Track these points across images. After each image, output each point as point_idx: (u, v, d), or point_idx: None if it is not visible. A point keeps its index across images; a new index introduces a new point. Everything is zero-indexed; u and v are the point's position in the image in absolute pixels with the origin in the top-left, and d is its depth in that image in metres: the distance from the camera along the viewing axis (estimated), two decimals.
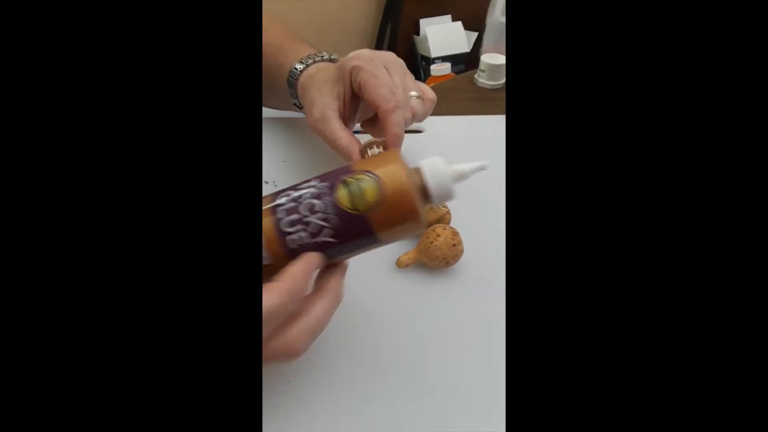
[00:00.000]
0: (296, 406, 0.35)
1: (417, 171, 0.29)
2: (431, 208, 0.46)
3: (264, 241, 0.28)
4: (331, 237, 0.27)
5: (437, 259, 0.42)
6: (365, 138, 0.49)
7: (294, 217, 0.27)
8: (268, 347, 0.27)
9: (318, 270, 0.30)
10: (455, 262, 0.43)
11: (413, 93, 0.45)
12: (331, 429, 0.34)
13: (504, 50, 0.79)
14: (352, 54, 0.45)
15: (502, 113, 0.67)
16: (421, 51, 1.56)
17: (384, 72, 0.44)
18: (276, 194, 0.30)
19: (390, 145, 0.43)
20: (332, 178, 0.28)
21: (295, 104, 0.52)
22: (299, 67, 0.49)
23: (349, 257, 0.30)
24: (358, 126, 0.49)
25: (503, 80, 0.78)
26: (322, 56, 0.50)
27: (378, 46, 1.60)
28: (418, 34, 1.57)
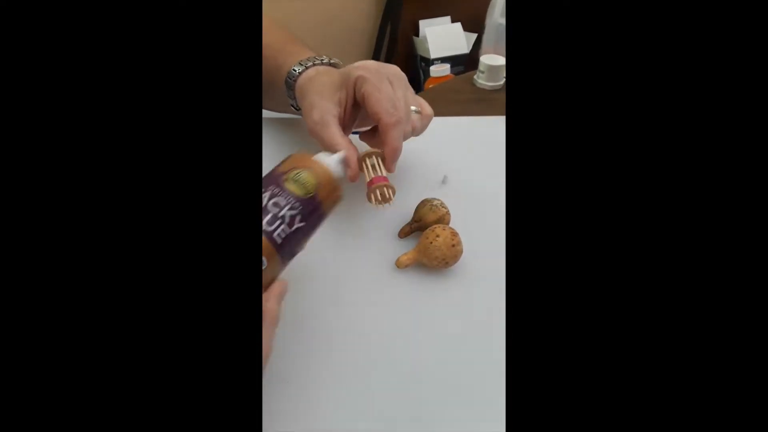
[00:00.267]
0: (295, 405, 0.35)
1: (319, 160, 0.38)
2: (431, 208, 0.46)
3: None
4: (300, 221, 0.34)
5: (436, 259, 0.42)
6: (359, 139, 0.50)
7: (269, 217, 0.33)
8: None
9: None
10: (454, 262, 0.43)
11: (413, 108, 0.46)
12: (330, 429, 0.34)
13: (503, 51, 0.80)
14: (358, 64, 0.46)
15: (501, 114, 0.67)
16: (421, 52, 1.56)
17: (388, 86, 0.44)
18: None
19: (388, 158, 0.43)
20: (274, 182, 0.35)
21: (292, 106, 0.52)
22: (298, 69, 0.49)
23: (306, 240, 0.36)
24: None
25: (502, 81, 0.78)
26: (322, 60, 0.50)
27: (377, 47, 1.60)
28: (417, 35, 1.57)
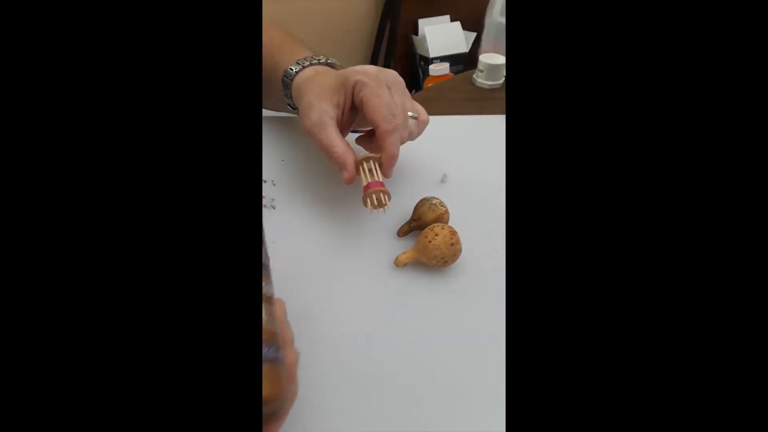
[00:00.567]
0: (293, 405, 0.35)
1: None
2: (430, 207, 0.46)
3: None
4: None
5: (435, 258, 0.42)
6: (355, 143, 0.50)
7: None
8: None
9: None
10: (453, 261, 0.43)
11: (410, 114, 0.46)
12: (329, 428, 0.34)
13: (502, 50, 0.80)
14: (357, 68, 0.46)
15: (500, 113, 0.67)
16: (420, 51, 1.57)
17: (386, 91, 0.44)
18: None
19: (385, 164, 0.44)
20: None
21: (288, 105, 0.52)
22: (295, 68, 0.49)
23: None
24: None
25: (501, 80, 0.78)
26: (319, 59, 0.50)
27: (377, 46, 1.60)
28: (416, 34, 1.57)
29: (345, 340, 0.39)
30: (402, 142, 0.45)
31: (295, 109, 0.50)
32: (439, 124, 0.64)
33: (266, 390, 0.24)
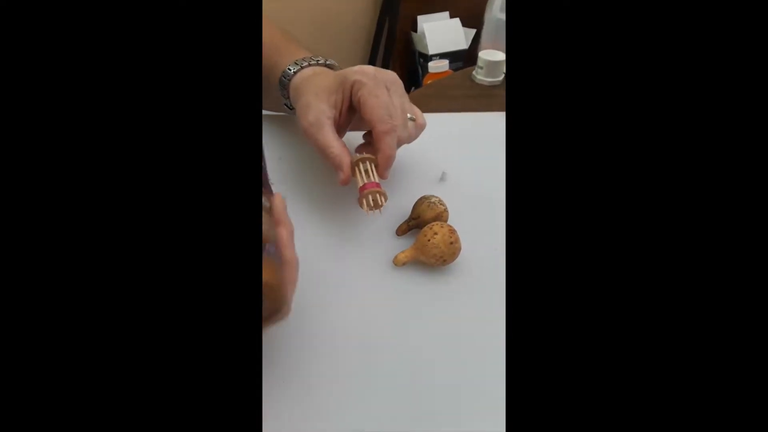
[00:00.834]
0: (292, 404, 0.34)
1: None
2: (429, 205, 0.45)
3: None
4: None
5: (434, 257, 0.42)
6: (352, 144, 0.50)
7: None
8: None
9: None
10: (453, 260, 0.43)
11: (408, 115, 0.46)
12: (328, 428, 0.34)
13: (502, 47, 0.79)
14: (356, 68, 0.46)
15: (500, 110, 0.67)
16: (419, 48, 1.56)
17: (385, 92, 0.44)
18: None
19: (382, 165, 0.44)
20: None
21: (285, 105, 0.52)
22: (293, 68, 0.49)
23: None
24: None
25: (501, 77, 0.78)
26: (318, 60, 0.50)
27: (375, 43, 1.59)
28: (416, 30, 1.57)
29: (344, 340, 0.38)
30: (399, 144, 0.45)
31: (291, 109, 0.50)
32: (439, 121, 0.63)
33: (264, 275, 0.27)
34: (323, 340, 0.38)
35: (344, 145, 0.44)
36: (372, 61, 1.61)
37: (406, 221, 0.47)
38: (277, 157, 0.54)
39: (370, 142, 0.48)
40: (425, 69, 1.50)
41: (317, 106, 0.44)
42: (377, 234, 0.47)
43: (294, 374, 0.36)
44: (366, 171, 0.44)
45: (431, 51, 1.51)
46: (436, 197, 0.46)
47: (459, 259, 0.43)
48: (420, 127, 0.48)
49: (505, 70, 0.78)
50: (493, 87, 0.77)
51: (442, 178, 0.54)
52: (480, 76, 0.78)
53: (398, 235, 0.47)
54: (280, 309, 0.30)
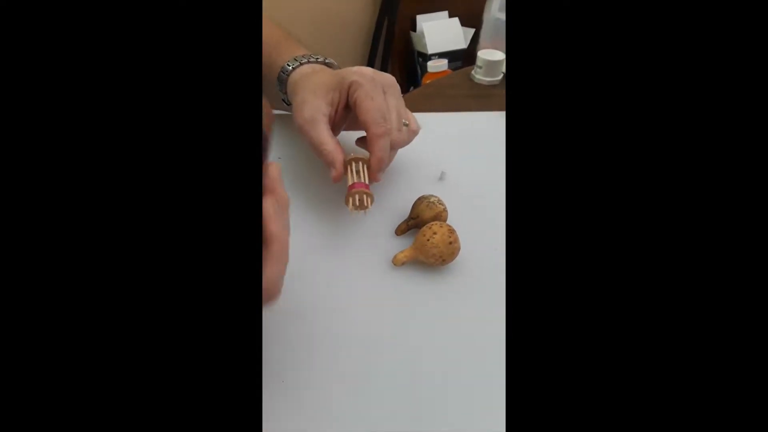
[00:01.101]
0: (292, 405, 0.34)
1: None
2: (428, 205, 0.45)
3: None
4: None
5: (434, 256, 0.42)
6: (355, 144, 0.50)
7: None
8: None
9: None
10: (452, 260, 0.43)
11: (403, 120, 0.46)
12: (326, 428, 0.34)
13: (501, 46, 0.79)
14: (354, 68, 0.46)
15: (498, 110, 0.67)
16: (418, 47, 1.56)
17: (381, 95, 0.44)
18: None
19: (374, 168, 0.44)
20: None
21: (283, 101, 0.52)
22: (292, 64, 0.49)
23: None
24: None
25: (500, 76, 0.78)
26: (317, 58, 0.50)
27: (374, 42, 1.59)
28: (414, 30, 1.56)
29: (343, 339, 0.38)
30: (392, 148, 0.45)
31: (289, 105, 0.50)
32: (438, 120, 0.63)
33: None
34: (322, 339, 0.38)
35: (338, 143, 0.44)
36: (371, 60, 1.61)
37: (405, 221, 0.47)
38: (276, 157, 0.54)
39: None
40: (424, 68, 1.50)
41: (314, 103, 0.44)
42: (376, 234, 0.47)
43: (294, 374, 0.36)
44: (357, 171, 0.44)
45: (430, 50, 1.51)
46: (435, 197, 0.46)
47: (458, 258, 0.43)
48: (413, 133, 0.48)
49: (503, 70, 0.78)
50: (491, 86, 0.77)
51: (441, 177, 0.54)
52: (479, 75, 0.78)
53: (397, 234, 0.47)
54: (270, 290, 0.28)
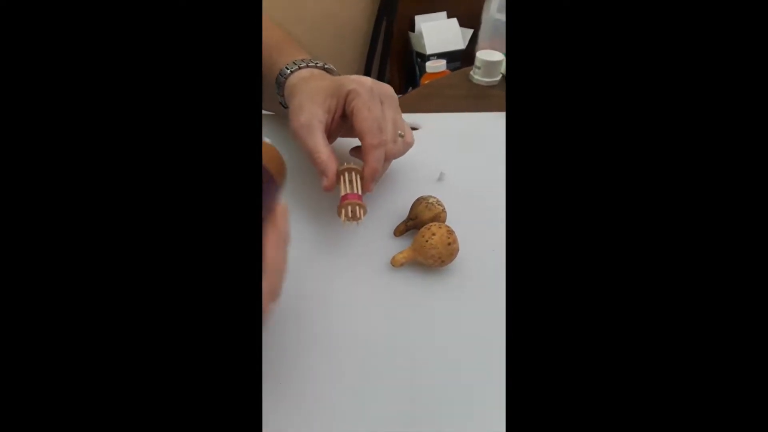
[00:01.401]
0: (292, 405, 0.34)
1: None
2: (426, 206, 0.45)
3: None
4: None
5: (432, 257, 0.42)
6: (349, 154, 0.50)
7: None
8: None
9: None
10: (451, 261, 0.43)
11: (399, 132, 0.46)
12: (326, 428, 0.34)
13: (499, 47, 0.79)
14: (353, 77, 0.46)
15: (497, 110, 0.67)
16: (417, 48, 1.56)
17: (378, 106, 0.44)
18: None
19: (367, 178, 0.43)
20: None
21: (280, 103, 0.52)
22: (291, 67, 0.49)
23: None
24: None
25: (499, 77, 0.78)
26: (316, 63, 0.50)
27: (373, 43, 1.59)
28: (413, 30, 1.57)
29: (342, 340, 0.38)
30: (386, 159, 0.45)
31: (286, 108, 0.50)
32: (436, 121, 0.63)
33: None
34: (322, 340, 0.38)
35: (332, 152, 0.44)
36: (369, 61, 1.60)
37: (403, 222, 0.47)
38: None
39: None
40: (423, 69, 1.50)
41: (310, 109, 0.44)
42: (375, 235, 0.47)
43: (293, 375, 0.36)
44: (350, 181, 0.44)
45: (429, 51, 1.51)
46: (434, 198, 0.46)
47: (457, 259, 0.43)
48: (407, 145, 0.48)
49: (502, 70, 0.78)
50: (490, 87, 0.77)
51: (440, 178, 0.54)
52: (477, 76, 0.78)
53: (396, 235, 0.47)
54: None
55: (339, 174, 0.44)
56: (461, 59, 1.54)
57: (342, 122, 0.47)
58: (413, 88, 1.51)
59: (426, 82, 1.43)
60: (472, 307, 0.41)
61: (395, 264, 0.43)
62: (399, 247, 0.45)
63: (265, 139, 0.36)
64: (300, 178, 0.52)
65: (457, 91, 0.77)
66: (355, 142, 0.50)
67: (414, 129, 0.62)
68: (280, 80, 0.49)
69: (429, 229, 0.42)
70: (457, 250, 0.42)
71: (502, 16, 0.85)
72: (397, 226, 0.47)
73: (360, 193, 0.44)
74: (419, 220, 0.45)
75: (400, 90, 1.62)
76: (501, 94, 0.76)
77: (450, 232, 0.42)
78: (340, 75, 0.49)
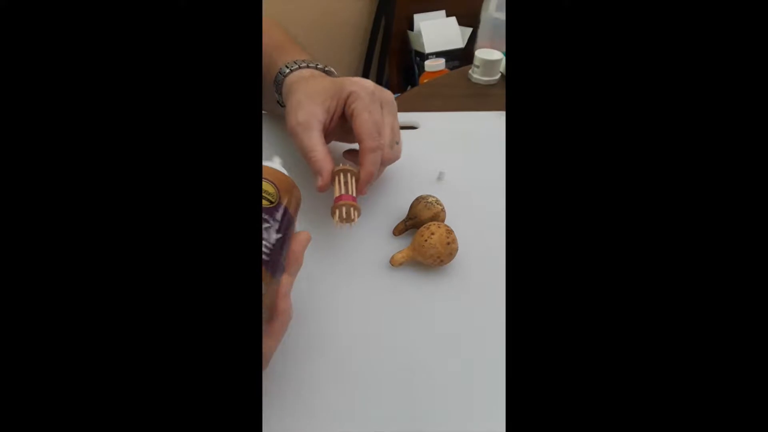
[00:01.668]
0: (292, 405, 0.34)
1: (268, 166, 0.36)
2: (425, 205, 0.45)
3: None
4: (277, 233, 0.32)
5: (431, 257, 0.42)
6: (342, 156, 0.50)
7: None
8: None
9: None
10: (450, 260, 0.43)
11: (396, 139, 0.46)
12: (326, 428, 0.34)
13: (498, 46, 0.79)
14: (355, 79, 0.46)
15: (496, 109, 0.67)
16: (416, 46, 1.56)
17: (378, 110, 0.44)
18: None
19: (363, 181, 0.43)
20: None
21: (278, 102, 0.52)
22: (290, 66, 0.49)
23: (286, 249, 0.34)
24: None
25: (497, 76, 0.78)
26: (316, 65, 0.50)
27: (372, 42, 1.59)
28: (412, 29, 1.57)
29: (341, 340, 0.38)
30: (382, 164, 0.45)
31: (284, 107, 0.50)
32: (435, 120, 0.63)
33: None
34: (321, 340, 0.38)
35: (328, 152, 0.43)
36: (368, 59, 1.60)
37: (403, 221, 0.47)
38: (273, 153, 0.54)
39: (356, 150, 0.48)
40: (422, 68, 1.50)
41: (309, 108, 0.44)
42: (374, 234, 0.47)
43: (293, 375, 0.36)
44: (345, 183, 0.44)
45: (428, 50, 1.51)
46: (433, 197, 0.46)
47: (456, 259, 0.43)
48: (399, 152, 0.48)
49: (501, 69, 0.78)
50: (489, 86, 0.77)
51: (439, 177, 0.53)
52: (476, 75, 0.78)
53: (395, 235, 0.47)
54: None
55: (334, 175, 0.44)
56: (460, 58, 1.54)
57: (340, 125, 0.46)
58: (412, 86, 1.51)
59: (425, 80, 1.43)
60: (471, 307, 0.41)
61: (394, 263, 0.43)
62: (398, 246, 0.45)
63: (272, 165, 0.36)
64: (299, 178, 0.52)
65: (456, 90, 0.77)
66: (348, 146, 0.50)
67: (413, 128, 0.62)
68: (279, 78, 0.49)
69: (428, 228, 0.42)
70: (456, 249, 0.42)
71: (501, 15, 0.85)
72: (396, 226, 0.47)
73: (354, 195, 0.43)
74: (418, 220, 0.45)
75: (399, 89, 1.62)
76: (500, 93, 0.76)
77: (449, 231, 0.42)
78: (340, 77, 0.49)
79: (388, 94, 0.47)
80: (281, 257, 0.32)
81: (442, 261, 0.42)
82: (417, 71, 1.56)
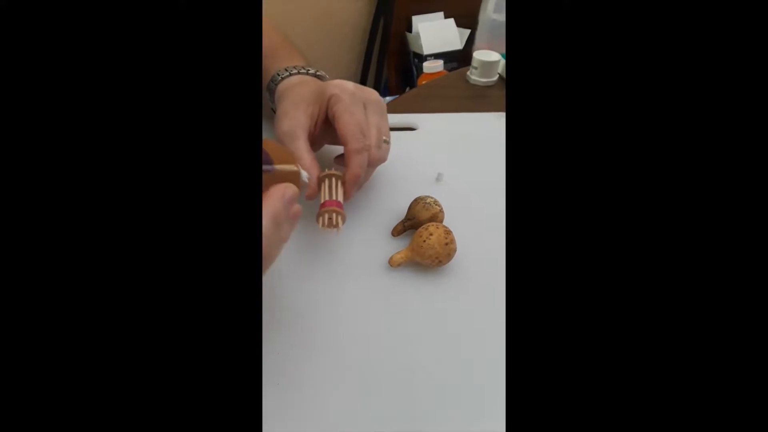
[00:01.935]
0: (291, 405, 0.34)
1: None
2: (424, 206, 0.45)
3: None
4: None
5: (430, 258, 0.42)
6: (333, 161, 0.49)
7: None
8: None
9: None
10: (448, 261, 0.43)
11: (384, 138, 0.46)
12: (326, 428, 0.34)
13: (496, 47, 0.79)
14: (336, 81, 0.45)
15: (495, 110, 0.67)
16: (414, 48, 1.56)
17: (361, 110, 0.44)
18: None
19: (349, 183, 0.43)
20: None
21: (272, 109, 0.52)
22: (282, 74, 0.49)
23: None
24: None
25: (496, 77, 0.78)
26: (308, 70, 0.50)
27: (370, 43, 1.59)
28: (410, 31, 1.57)
29: (340, 340, 0.38)
30: (370, 165, 0.44)
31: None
32: (433, 121, 0.64)
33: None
34: (320, 340, 0.38)
35: (314, 159, 0.43)
36: (367, 61, 1.60)
37: (401, 222, 0.47)
38: None
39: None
40: (420, 69, 1.50)
41: (293, 116, 0.44)
42: (373, 235, 0.47)
43: (292, 375, 0.36)
44: (330, 187, 0.43)
45: (426, 51, 1.51)
46: (432, 198, 0.46)
47: (454, 260, 0.43)
48: (387, 152, 0.47)
49: (499, 71, 0.78)
50: (487, 87, 0.77)
51: (438, 178, 0.54)
52: (474, 76, 0.78)
53: (394, 235, 0.47)
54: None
55: (320, 180, 0.43)
56: (458, 59, 1.54)
57: (326, 128, 0.46)
58: (410, 88, 1.51)
59: (423, 82, 1.43)
60: (470, 307, 0.41)
61: (393, 264, 0.43)
62: (397, 247, 0.45)
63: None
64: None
65: (455, 92, 0.77)
66: (342, 150, 0.50)
67: (411, 129, 0.63)
68: (272, 87, 0.49)
69: (426, 229, 0.42)
70: (455, 250, 0.43)
71: (499, 17, 0.85)
72: (395, 226, 0.47)
73: (340, 199, 0.43)
74: (417, 221, 0.45)
75: (397, 90, 1.62)
76: (498, 94, 0.76)
77: (447, 232, 0.42)
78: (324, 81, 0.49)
79: (371, 94, 0.46)
80: None
81: (440, 261, 0.42)
82: (415, 73, 1.56)
